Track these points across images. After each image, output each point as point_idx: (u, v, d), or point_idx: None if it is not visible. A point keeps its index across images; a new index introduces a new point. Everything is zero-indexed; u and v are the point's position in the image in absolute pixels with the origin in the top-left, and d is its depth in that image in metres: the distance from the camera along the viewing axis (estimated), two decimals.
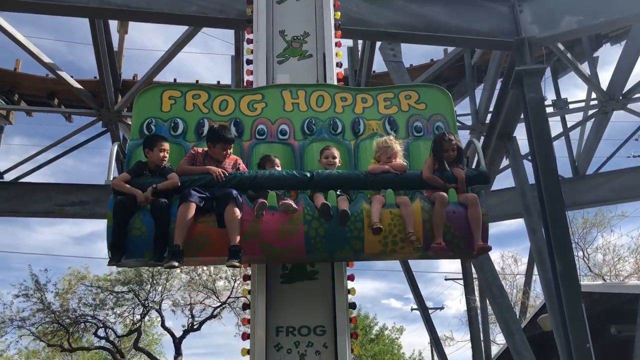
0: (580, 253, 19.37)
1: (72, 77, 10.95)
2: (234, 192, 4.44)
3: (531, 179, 8.20)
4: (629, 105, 11.68)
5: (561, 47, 10.08)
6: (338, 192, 4.64)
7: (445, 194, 4.55)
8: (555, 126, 16.32)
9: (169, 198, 4.43)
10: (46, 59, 10.04)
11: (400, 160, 4.90)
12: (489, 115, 11.02)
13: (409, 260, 13.22)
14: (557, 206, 7.20)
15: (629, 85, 11.28)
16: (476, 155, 5.08)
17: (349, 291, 5.26)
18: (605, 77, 11.96)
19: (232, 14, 7.49)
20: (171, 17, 7.54)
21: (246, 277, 5.54)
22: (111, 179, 4.51)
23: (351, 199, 4.67)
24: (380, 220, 4.44)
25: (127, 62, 11.99)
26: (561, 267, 6.93)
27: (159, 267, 19.90)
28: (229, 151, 4.85)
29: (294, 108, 5.42)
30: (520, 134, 9.33)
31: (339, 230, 4.45)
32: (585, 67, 11.98)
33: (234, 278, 19.93)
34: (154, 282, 20.50)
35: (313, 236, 4.45)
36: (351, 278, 5.35)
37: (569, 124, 13.44)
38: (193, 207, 4.34)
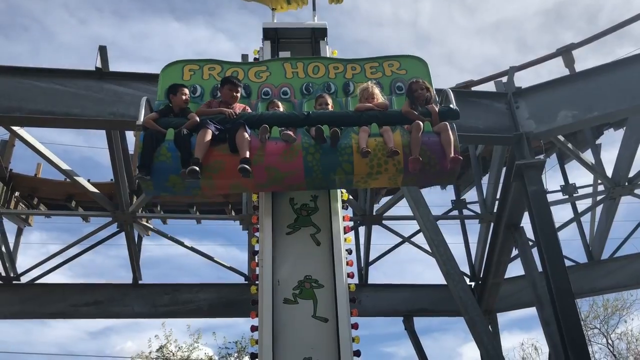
0: (604, 340, 18.78)
1: (88, 180, 11.38)
2: (243, 121, 5.34)
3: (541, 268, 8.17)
4: (636, 191, 11.72)
5: (561, 137, 10.30)
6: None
7: (420, 123, 5.36)
8: (566, 209, 16.27)
9: (190, 131, 5.29)
10: (64, 166, 10.49)
11: (381, 100, 5.82)
12: (497, 203, 11.11)
13: (427, 349, 12.92)
14: (566, 300, 7.16)
15: (633, 171, 11.38)
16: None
17: None
18: (612, 157, 12.02)
19: None
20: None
21: None
22: (141, 121, 5.40)
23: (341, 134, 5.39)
24: (367, 146, 5.23)
25: None
26: None
27: None
28: (236, 94, 5.78)
29: (294, 75, 6.38)
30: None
31: (332, 155, 5.28)
32: (589, 154, 12.16)
33: None
34: None
35: (310, 160, 5.30)
36: None
37: (580, 208, 13.43)
38: (209, 132, 5.23)
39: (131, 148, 11.59)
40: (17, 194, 12.33)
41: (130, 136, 10.68)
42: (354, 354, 5.36)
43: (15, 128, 9.48)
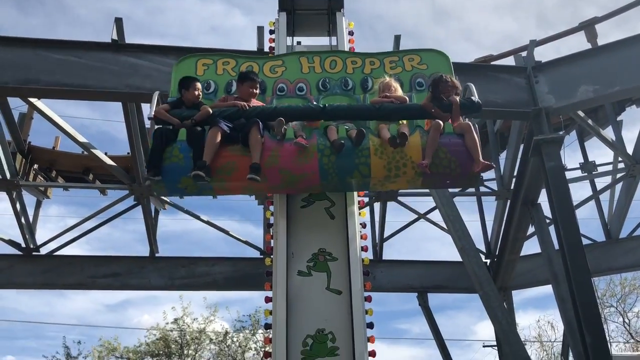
0: (621, 319, 18.74)
1: (105, 153, 11.46)
2: (257, 120, 5.11)
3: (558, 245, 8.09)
4: None
5: (582, 113, 10.12)
6: (347, 127, 5.27)
7: (439, 121, 5.07)
8: (585, 188, 16.13)
9: (202, 127, 5.15)
10: (81, 138, 10.56)
11: (400, 93, 5.54)
12: (514, 180, 11.00)
13: (441, 327, 12.98)
14: (583, 276, 7.11)
15: None
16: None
17: None
18: (633, 135, 11.78)
19: None
20: None
21: (267, 354, 5.56)
22: (153, 113, 5.26)
23: None
24: (385, 147, 5.05)
25: None
26: (591, 340, 6.76)
27: (187, 339, 19.98)
28: (254, 91, 5.56)
29: (310, 70, 6.13)
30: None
31: (348, 157, 5.07)
32: (609, 132, 11.95)
33: (262, 349, 19.72)
34: (183, 353, 20.39)
35: (326, 162, 5.09)
36: (372, 354, 5.34)
37: (599, 186, 13.29)
38: (220, 132, 5.04)
39: (147, 121, 11.65)
40: (35, 166, 12.47)
41: (146, 109, 10.69)
42: (367, 326, 5.39)
43: (32, 100, 9.54)
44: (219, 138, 5.02)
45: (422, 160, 4.99)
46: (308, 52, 6.40)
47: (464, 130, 5.11)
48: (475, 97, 5.45)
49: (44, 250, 12.49)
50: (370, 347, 5.33)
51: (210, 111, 5.21)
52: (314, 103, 5.81)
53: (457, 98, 5.32)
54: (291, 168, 5.10)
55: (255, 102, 5.55)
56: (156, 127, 5.27)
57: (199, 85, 5.58)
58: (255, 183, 5.01)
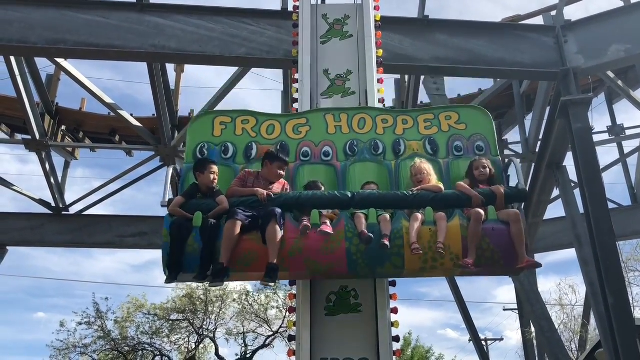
0: None
1: (131, 115, 11.60)
2: (277, 210, 4.66)
3: (582, 209, 8.05)
4: None
5: (611, 74, 9.90)
6: (379, 212, 4.78)
7: (481, 211, 4.61)
8: (610, 153, 15.89)
9: (218, 219, 4.70)
10: (107, 99, 10.70)
11: (434, 182, 5.06)
12: (539, 144, 10.89)
13: (461, 290, 13.06)
14: (607, 238, 7.04)
15: None
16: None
17: (392, 324, 5.33)
18: None
19: (279, 55, 7.86)
20: (222, 59, 7.98)
21: (291, 310, 5.69)
22: (167, 200, 4.88)
23: (392, 216, 4.80)
24: (420, 237, 4.57)
25: (184, 97, 12.55)
26: (613, 301, 6.76)
27: (212, 296, 20.45)
28: (282, 172, 5.16)
29: (337, 130, 5.63)
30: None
31: (379, 248, 4.57)
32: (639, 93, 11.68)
33: (285, 307, 20.11)
34: (208, 310, 20.94)
35: (354, 252, 4.62)
36: (394, 311, 5.41)
37: (627, 150, 13.10)
38: (239, 224, 4.59)
39: (172, 83, 11.75)
40: (63, 127, 12.68)
41: (170, 69, 10.77)
42: (390, 283, 5.46)
43: (60, 61, 9.65)
44: (237, 231, 4.57)
45: (464, 257, 4.55)
46: (334, 109, 5.89)
47: (510, 219, 4.63)
48: (521, 182, 5.04)
49: (72, 211, 12.81)
50: (392, 304, 5.42)
51: (227, 207, 4.78)
52: (340, 175, 5.43)
53: (502, 188, 4.87)
54: (316, 257, 4.65)
55: (278, 184, 5.18)
56: (169, 218, 4.81)
57: (214, 168, 5.12)
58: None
